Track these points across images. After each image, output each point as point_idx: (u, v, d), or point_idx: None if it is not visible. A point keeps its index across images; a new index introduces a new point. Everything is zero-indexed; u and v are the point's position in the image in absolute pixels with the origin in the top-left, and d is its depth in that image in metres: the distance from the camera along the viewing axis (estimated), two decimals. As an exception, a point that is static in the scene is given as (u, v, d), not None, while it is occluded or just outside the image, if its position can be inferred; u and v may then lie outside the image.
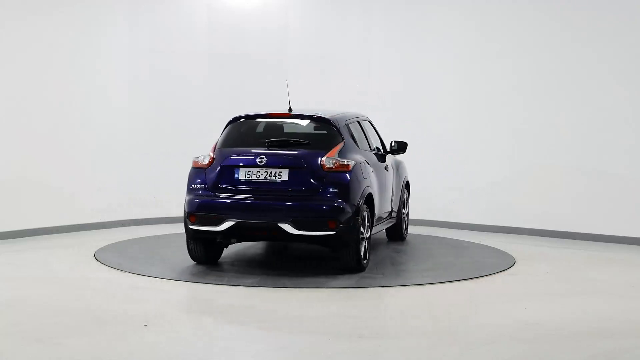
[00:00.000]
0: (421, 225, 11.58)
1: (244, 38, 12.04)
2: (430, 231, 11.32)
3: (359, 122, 9.14)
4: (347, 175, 7.82)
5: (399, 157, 10.36)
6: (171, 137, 11.64)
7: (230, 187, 7.93)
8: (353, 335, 5.83)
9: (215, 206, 7.89)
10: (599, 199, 10.57)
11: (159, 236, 10.46)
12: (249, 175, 7.89)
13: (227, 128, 8.53)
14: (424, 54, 11.99)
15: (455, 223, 11.71)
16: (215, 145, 8.30)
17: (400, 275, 8.25)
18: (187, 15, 11.89)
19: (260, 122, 8.67)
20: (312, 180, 7.76)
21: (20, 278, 7.79)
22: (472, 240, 10.46)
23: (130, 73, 11.47)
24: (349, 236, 7.75)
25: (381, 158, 9.31)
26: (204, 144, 8.71)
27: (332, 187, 7.74)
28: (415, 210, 11.08)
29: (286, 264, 8.84)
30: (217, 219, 7.81)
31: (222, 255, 8.76)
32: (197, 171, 8.14)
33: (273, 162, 7.86)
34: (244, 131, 8.49)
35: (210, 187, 7.98)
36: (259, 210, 7.78)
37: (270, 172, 7.83)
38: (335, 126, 8.29)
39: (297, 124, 8.66)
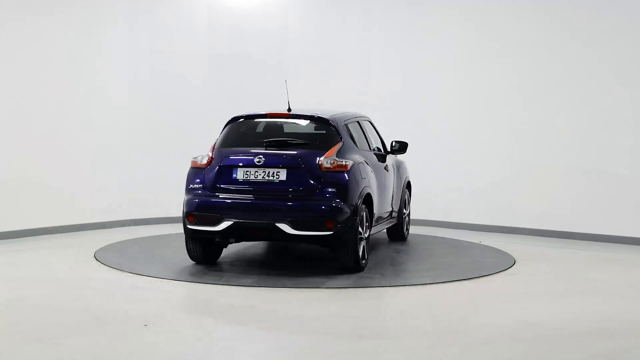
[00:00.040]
0: (421, 225, 11.58)
1: (244, 38, 12.04)
2: (430, 231, 11.32)
3: (358, 122, 9.14)
4: (345, 175, 7.82)
5: (400, 157, 10.36)
6: (171, 137, 11.64)
7: (229, 187, 7.93)
8: (353, 335, 5.83)
9: (213, 206, 7.89)
10: (599, 199, 10.57)
11: (159, 236, 10.47)
12: (247, 175, 7.89)
13: (226, 128, 8.53)
14: (424, 54, 11.99)
15: (455, 223, 11.71)
16: (214, 145, 8.31)
17: (399, 275, 8.25)
18: (187, 15, 11.90)
19: (259, 122, 8.67)
20: (310, 180, 7.76)
21: (20, 278, 7.79)
22: (472, 240, 10.46)
23: (130, 73, 11.47)
24: (347, 236, 7.75)
25: (381, 158, 9.30)
26: (204, 144, 8.72)
27: (330, 187, 7.74)
28: (415, 210, 11.08)
29: (286, 264, 8.84)
30: (215, 219, 7.82)
31: (222, 255, 8.77)
32: (196, 171, 8.14)
33: (271, 162, 7.86)
34: (242, 131, 8.49)
35: (208, 187, 7.99)
36: (257, 210, 7.78)
37: (268, 172, 7.83)
38: (334, 126, 8.29)
39: (296, 124, 8.66)
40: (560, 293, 7.46)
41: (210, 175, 8.01)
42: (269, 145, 8.06)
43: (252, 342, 5.77)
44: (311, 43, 12.31)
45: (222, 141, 8.34)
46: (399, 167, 10.06)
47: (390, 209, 9.55)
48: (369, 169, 8.43)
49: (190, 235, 8.14)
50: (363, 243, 8.07)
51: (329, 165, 7.80)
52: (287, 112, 8.58)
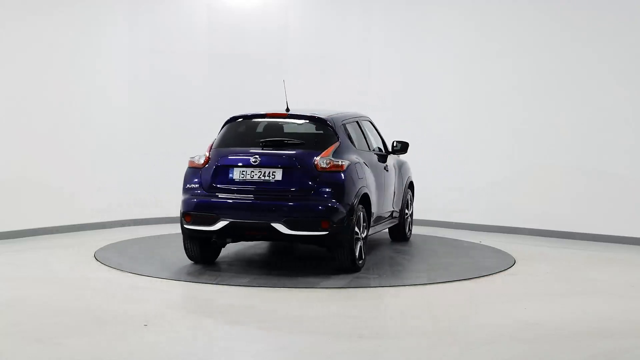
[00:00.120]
0: (421, 225, 11.57)
1: (244, 38, 12.05)
2: (430, 231, 11.32)
3: (358, 122, 9.13)
4: (341, 175, 7.81)
5: (402, 157, 10.36)
6: (171, 137, 11.64)
7: (225, 187, 7.94)
8: (353, 335, 5.83)
9: (209, 206, 7.90)
10: (599, 199, 10.57)
11: (159, 236, 10.47)
12: (243, 175, 7.90)
13: (224, 128, 8.54)
14: (424, 54, 11.99)
15: (455, 223, 11.71)
16: (212, 145, 8.32)
17: (396, 275, 8.18)
18: (187, 15, 11.90)
19: (257, 122, 8.67)
20: (305, 181, 7.75)
21: (20, 278, 7.79)
22: (472, 240, 10.46)
23: (130, 73, 11.47)
24: (342, 236, 7.75)
25: (381, 158, 9.29)
26: (204, 144, 8.72)
27: (326, 187, 7.74)
28: (415, 210, 11.08)
29: (286, 264, 8.84)
30: (211, 219, 7.83)
31: (222, 255, 8.77)
32: (193, 171, 8.16)
33: (267, 162, 7.87)
34: (240, 131, 8.49)
35: (205, 187, 8.00)
36: (253, 210, 7.78)
37: (264, 172, 7.84)
38: (331, 126, 8.29)
39: (294, 124, 8.65)
40: (560, 293, 7.46)
41: (207, 175, 8.02)
42: (265, 145, 8.06)
43: (252, 342, 5.77)
44: (311, 43, 12.31)
45: (219, 141, 8.35)
46: (400, 167, 10.05)
47: (391, 209, 9.54)
48: (366, 169, 8.42)
49: (187, 235, 8.16)
50: (360, 243, 8.06)
51: (325, 165, 7.80)
52: (285, 112, 8.58)
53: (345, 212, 7.74)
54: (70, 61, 10.71)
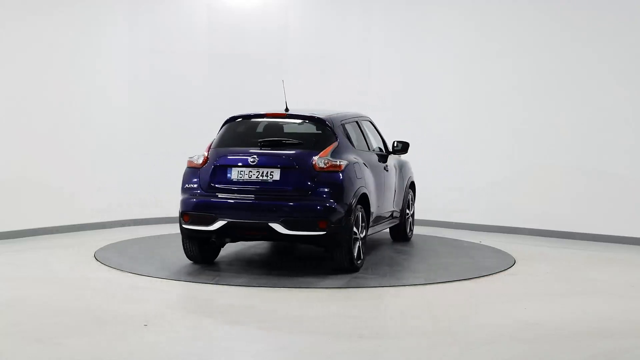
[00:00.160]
0: (421, 225, 11.58)
1: (244, 38, 12.05)
2: (430, 231, 11.32)
3: (357, 122, 9.13)
4: (339, 175, 7.81)
5: (403, 157, 10.36)
6: (171, 137, 11.64)
7: (223, 186, 7.95)
8: (353, 335, 5.83)
9: (207, 206, 7.91)
10: (599, 199, 10.57)
11: (159, 236, 10.47)
12: (241, 175, 7.90)
13: (223, 128, 8.55)
14: (424, 54, 11.99)
15: (455, 223, 11.71)
16: (210, 145, 8.32)
17: (394, 275, 8.14)
18: (187, 15, 11.90)
19: (256, 122, 8.67)
20: (303, 180, 7.75)
21: (20, 278, 7.79)
22: (472, 240, 10.46)
23: (130, 73, 11.48)
24: (340, 236, 7.74)
25: (381, 158, 9.29)
26: (204, 144, 8.71)
27: (324, 187, 7.74)
28: (415, 210, 11.08)
29: (286, 264, 8.84)
30: (209, 219, 7.84)
31: (222, 255, 8.78)
32: (192, 171, 8.17)
33: (265, 162, 7.87)
34: (239, 131, 8.49)
35: (203, 187, 8.01)
36: (250, 210, 7.78)
37: (262, 172, 7.84)
38: (329, 126, 8.28)
39: (293, 124, 8.65)
40: (560, 293, 7.46)
41: (206, 174, 8.03)
42: (263, 145, 8.06)
43: (252, 342, 5.77)
44: (311, 43, 12.31)
45: (218, 141, 8.36)
46: (401, 167, 10.04)
47: (392, 209, 9.54)
48: (365, 169, 8.41)
49: (186, 235, 8.17)
50: (359, 243, 8.05)
51: (322, 165, 7.80)
52: (283, 112, 8.58)
53: (343, 212, 7.74)
54: (70, 61, 10.71)
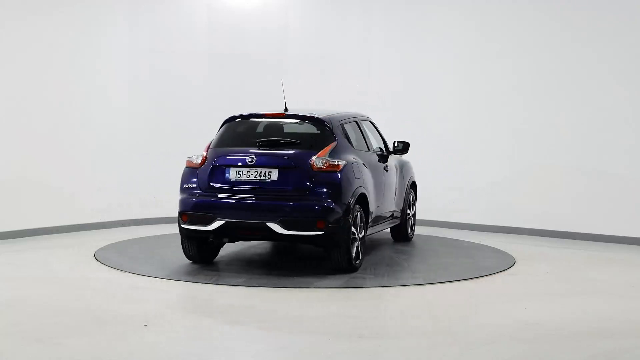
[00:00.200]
0: (421, 225, 11.57)
1: (244, 38, 12.04)
2: (430, 231, 11.32)
3: (357, 122, 9.12)
4: (338, 175, 7.81)
5: (405, 157, 10.35)
6: (171, 137, 11.64)
7: (221, 186, 7.95)
8: (353, 335, 5.83)
9: (205, 205, 7.92)
10: (599, 199, 10.57)
11: (159, 236, 10.47)
12: (239, 175, 7.91)
13: (222, 128, 8.56)
14: (424, 54, 11.99)
15: (455, 223, 11.71)
16: (209, 145, 8.32)
17: (392, 275, 8.11)
18: (187, 15, 11.90)
19: (255, 122, 8.66)
20: (301, 180, 7.75)
21: (20, 278, 7.79)
22: (472, 240, 10.46)
23: (130, 73, 11.48)
24: (338, 236, 7.74)
25: (381, 158, 9.29)
26: (203, 144, 8.71)
27: (322, 187, 7.73)
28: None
29: (286, 264, 8.84)
30: (207, 219, 7.84)
31: (223, 254, 8.78)
32: (190, 170, 8.18)
33: (263, 162, 7.87)
34: (238, 131, 8.49)
35: (202, 187, 8.02)
36: (248, 210, 7.78)
37: (260, 172, 7.84)
38: (328, 126, 8.28)
39: (292, 123, 8.65)
40: (560, 293, 7.46)
41: (204, 174, 8.04)
42: (261, 145, 8.07)
43: (252, 342, 5.77)
44: (311, 43, 12.31)
45: (217, 141, 8.37)
46: (402, 167, 10.04)
47: (392, 209, 9.54)
48: (364, 169, 8.41)
49: (184, 235, 8.18)
50: (357, 243, 8.05)
51: (320, 165, 7.79)
52: (282, 112, 8.58)
53: (341, 212, 7.73)
54: (70, 61, 10.71)
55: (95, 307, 6.59)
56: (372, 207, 8.56)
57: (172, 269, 8.19)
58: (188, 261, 8.44)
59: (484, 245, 10.10)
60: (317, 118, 8.36)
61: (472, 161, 11.59)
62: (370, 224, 8.52)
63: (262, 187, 7.82)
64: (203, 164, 8.10)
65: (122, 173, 11.36)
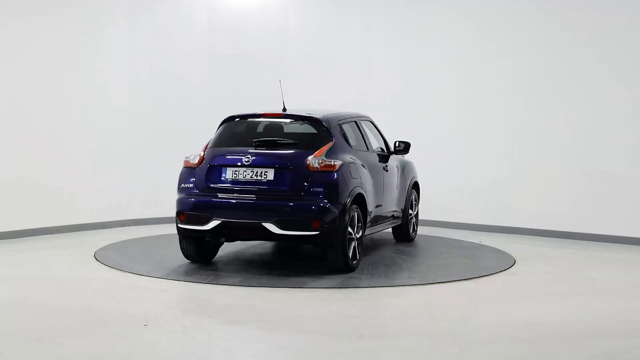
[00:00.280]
0: (421, 225, 11.55)
1: (244, 38, 12.05)
2: (430, 231, 11.32)
3: (356, 122, 9.12)
4: (334, 175, 7.80)
5: (407, 158, 10.35)
6: (171, 137, 11.64)
7: (218, 186, 7.97)
8: (353, 335, 5.83)
9: (202, 205, 7.94)
10: (599, 199, 10.57)
11: (159, 236, 10.47)
12: (235, 175, 7.92)
13: (220, 128, 8.56)
14: (424, 54, 11.99)
15: (455, 223, 11.71)
16: (207, 145, 8.32)
17: (389, 276, 8.05)
18: (187, 15, 11.90)
19: (253, 122, 8.66)
20: (297, 180, 7.75)
21: (20, 278, 7.79)
22: (472, 240, 10.46)
23: (130, 73, 11.48)
24: (334, 236, 7.73)
25: (382, 158, 9.28)
26: (203, 144, 8.72)
27: (318, 187, 7.73)
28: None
29: (286, 264, 8.84)
30: (204, 218, 7.86)
31: (222, 254, 8.78)
32: (188, 170, 8.20)
33: (259, 162, 7.88)
34: (236, 131, 8.50)
35: (199, 187, 8.03)
36: (244, 210, 7.79)
37: (256, 172, 7.85)
38: (325, 126, 8.27)
39: (290, 123, 8.65)
40: (560, 293, 7.46)
41: (201, 174, 8.05)
42: (258, 145, 8.07)
43: (252, 342, 5.77)
44: (311, 43, 12.31)
45: (214, 141, 8.38)
46: (404, 167, 10.02)
47: (393, 210, 9.53)
48: (362, 169, 8.40)
49: (182, 234, 8.19)
50: (354, 243, 8.04)
51: (316, 165, 7.79)
52: (280, 112, 8.57)
53: (337, 212, 7.73)
54: (70, 61, 10.71)
55: (95, 307, 6.59)
56: (371, 207, 8.55)
57: (172, 269, 8.19)
58: (188, 261, 8.44)
59: (484, 245, 10.10)
60: (315, 118, 8.36)
61: (472, 161, 11.59)
62: (368, 224, 8.51)
63: (258, 187, 7.82)
64: (200, 164, 8.11)
65: (122, 173, 11.36)
